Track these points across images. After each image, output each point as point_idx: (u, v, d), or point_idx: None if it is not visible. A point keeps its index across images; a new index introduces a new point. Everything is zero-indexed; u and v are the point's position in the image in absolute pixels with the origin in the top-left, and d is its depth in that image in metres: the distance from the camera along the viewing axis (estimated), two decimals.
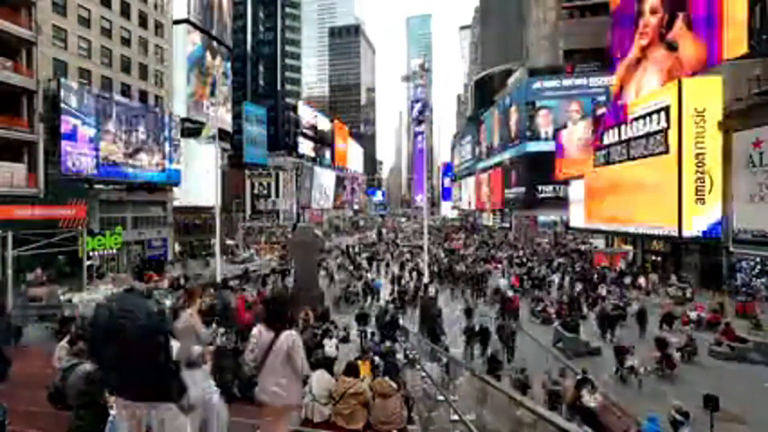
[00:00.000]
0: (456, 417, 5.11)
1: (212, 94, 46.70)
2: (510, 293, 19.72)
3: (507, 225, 61.52)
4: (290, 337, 3.44)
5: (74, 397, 4.04)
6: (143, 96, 35.36)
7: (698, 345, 13.72)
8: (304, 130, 75.14)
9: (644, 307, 16.85)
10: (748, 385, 11.45)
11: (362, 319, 14.86)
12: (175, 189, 37.90)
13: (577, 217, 35.43)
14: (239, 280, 24.86)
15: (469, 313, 17.09)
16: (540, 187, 50.02)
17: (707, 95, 21.36)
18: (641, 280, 23.67)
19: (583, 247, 36.97)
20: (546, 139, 49.01)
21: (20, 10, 24.89)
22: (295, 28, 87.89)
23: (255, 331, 3.54)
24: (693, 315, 16.98)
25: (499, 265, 30.93)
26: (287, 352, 3.37)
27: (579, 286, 21.69)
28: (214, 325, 10.03)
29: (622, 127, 27.29)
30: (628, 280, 24.26)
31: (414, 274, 25.81)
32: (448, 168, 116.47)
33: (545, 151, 45.70)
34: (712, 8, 21.08)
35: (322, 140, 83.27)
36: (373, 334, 13.62)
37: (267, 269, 29.40)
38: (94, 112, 28.60)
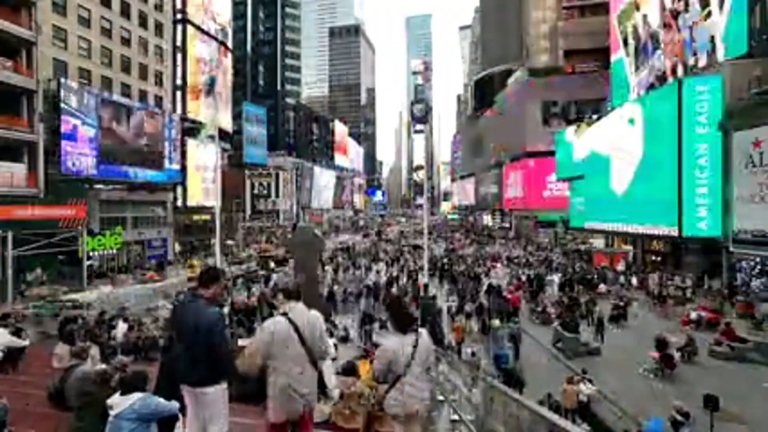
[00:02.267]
0: (456, 417, 5.11)
1: (212, 94, 46.67)
2: (507, 294, 19.68)
3: (507, 225, 61.53)
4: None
5: (74, 398, 4.04)
6: (143, 96, 35.36)
7: (698, 345, 13.72)
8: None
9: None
10: (748, 385, 11.45)
11: (367, 318, 14.96)
12: (182, 189, 38.01)
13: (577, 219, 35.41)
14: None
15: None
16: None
17: (707, 95, 21.37)
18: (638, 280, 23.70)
19: (583, 247, 36.98)
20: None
21: (20, 10, 24.86)
22: (295, 28, 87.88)
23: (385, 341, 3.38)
24: (693, 315, 16.99)
25: (499, 265, 30.93)
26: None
27: (579, 286, 21.70)
28: None
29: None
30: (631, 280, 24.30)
31: (414, 274, 25.80)
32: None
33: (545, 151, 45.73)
34: None
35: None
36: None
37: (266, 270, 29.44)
38: (94, 112, 28.60)
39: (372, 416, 3.55)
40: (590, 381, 10.35)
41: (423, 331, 3.24)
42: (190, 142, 39.88)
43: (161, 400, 3.53)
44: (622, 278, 25.31)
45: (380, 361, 3.23)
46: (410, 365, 3.08)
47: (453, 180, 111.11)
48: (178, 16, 40.53)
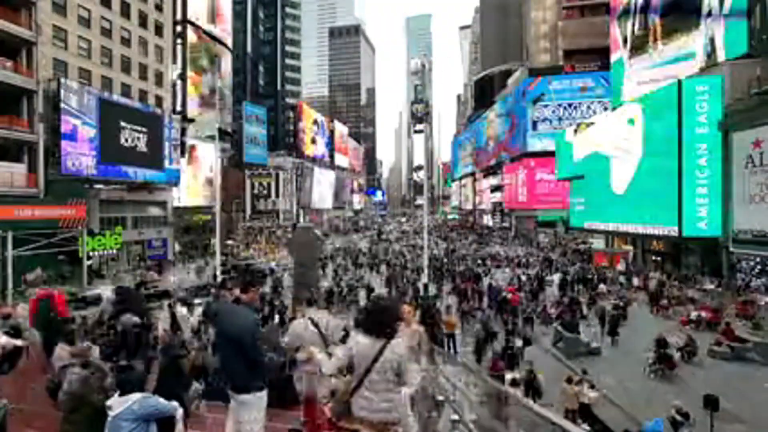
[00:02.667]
0: (456, 417, 5.11)
1: (211, 94, 46.67)
2: (508, 295, 19.64)
3: (507, 225, 61.53)
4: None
5: (62, 402, 3.97)
6: (143, 96, 35.33)
7: (698, 345, 13.71)
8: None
9: None
10: (748, 385, 11.44)
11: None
12: (174, 189, 37.96)
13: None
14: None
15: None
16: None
17: (707, 95, 21.38)
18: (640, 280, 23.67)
19: (583, 247, 36.97)
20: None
21: (20, 10, 24.87)
22: (295, 28, 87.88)
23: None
24: (693, 315, 16.97)
25: (500, 264, 30.97)
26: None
27: (579, 286, 21.68)
28: None
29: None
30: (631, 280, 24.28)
31: (413, 275, 25.81)
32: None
33: (545, 151, 45.80)
34: None
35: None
36: None
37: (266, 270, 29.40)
38: (94, 112, 28.55)
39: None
40: (592, 386, 10.27)
41: (397, 342, 2.98)
42: (190, 142, 39.88)
43: (161, 400, 3.52)
44: (622, 278, 25.30)
45: (342, 350, 3.17)
46: (369, 371, 2.91)
47: (445, 182, 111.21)
48: (179, 16, 40.54)
